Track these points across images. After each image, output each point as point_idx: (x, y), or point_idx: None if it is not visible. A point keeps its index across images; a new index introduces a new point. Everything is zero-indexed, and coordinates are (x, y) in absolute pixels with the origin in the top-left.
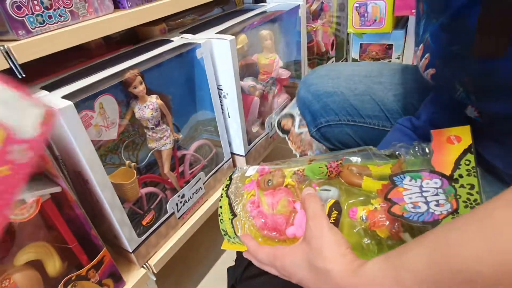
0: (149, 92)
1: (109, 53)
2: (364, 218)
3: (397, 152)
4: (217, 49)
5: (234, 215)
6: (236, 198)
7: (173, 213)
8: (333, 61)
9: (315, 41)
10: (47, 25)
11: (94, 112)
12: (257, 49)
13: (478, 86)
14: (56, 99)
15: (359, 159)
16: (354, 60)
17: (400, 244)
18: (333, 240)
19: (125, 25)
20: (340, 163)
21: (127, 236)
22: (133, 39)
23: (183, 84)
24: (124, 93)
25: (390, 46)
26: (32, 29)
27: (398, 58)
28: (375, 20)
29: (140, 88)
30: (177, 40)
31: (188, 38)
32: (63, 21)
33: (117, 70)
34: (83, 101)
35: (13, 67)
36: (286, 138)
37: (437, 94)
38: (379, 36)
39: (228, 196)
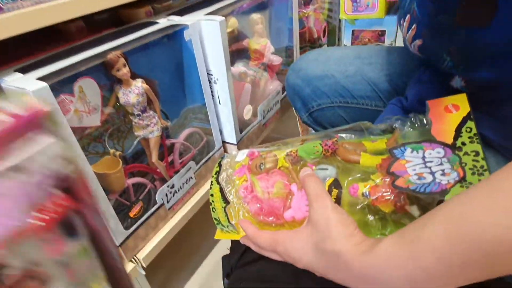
0: (134, 76)
1: (90, 36)
2: (366, 194)
3: (394, 125)
4: (206, 31)
5: (226, 202)
6: (228, 185)
7: (163, 204)
8: None
9: (307, 28)
10: (20, 1)
11: (74, 96)
12: (248, 35)
13: (464, 55)
14: (30, 81)
15: (352, 136)
16: None
17: (405, 217)
18: (340, 220)
19: (105, 4)
20: (336, 140)
21: (113, 229)
22: (117, 23)
23: (171, 69)
24: (106, 76)
25: (382, 33)
26: (2, 5)
27: (391, 44)
28: (368, 6)
29: (124, 71)
30: (164, 22)
31: (175, 20)
32: None
33: (98, 52)
34: (61, 84)
35: None
36: (297, 118)
37: (424, 69)
38: (372, 22)
39: (219, 183)
